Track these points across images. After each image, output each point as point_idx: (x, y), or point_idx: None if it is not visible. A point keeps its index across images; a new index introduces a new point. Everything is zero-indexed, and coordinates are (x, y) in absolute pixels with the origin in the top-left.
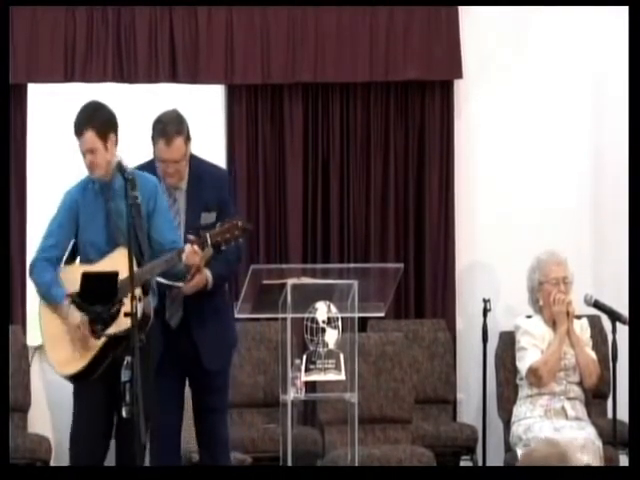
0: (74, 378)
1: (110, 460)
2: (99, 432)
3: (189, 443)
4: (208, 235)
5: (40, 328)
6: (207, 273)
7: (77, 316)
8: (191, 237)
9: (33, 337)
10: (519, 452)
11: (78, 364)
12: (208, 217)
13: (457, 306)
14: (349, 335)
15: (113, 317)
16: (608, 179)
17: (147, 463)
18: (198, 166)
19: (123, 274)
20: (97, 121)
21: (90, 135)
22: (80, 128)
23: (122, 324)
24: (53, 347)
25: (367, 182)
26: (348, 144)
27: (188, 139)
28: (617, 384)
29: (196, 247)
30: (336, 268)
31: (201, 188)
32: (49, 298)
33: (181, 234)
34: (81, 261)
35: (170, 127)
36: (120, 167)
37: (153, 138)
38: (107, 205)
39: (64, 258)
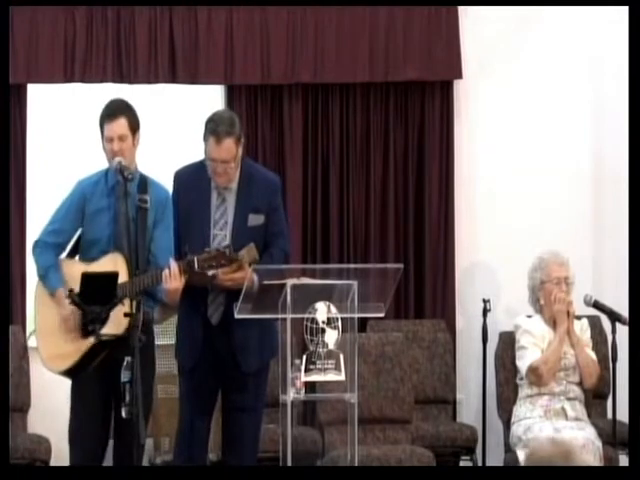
0: (63, 373)
1: (108, 460)
2: (96, 432)
3: None
4: (195, 259)
5: (34, 320)
6: (253, 275)
7: (69, 307)
8: (173, 262)
9: (33, 337)
10: (519, 452)
11: (67, 361)
12: (256, 219)
13: (457, 306)
14: (349, 335)
15: (104, 319)
16: (608, 179)
17: (156, 462)
18: (250, 168)
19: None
20: (131, 113)
21: (123, 122)
22: (115, 113)
23: (112, 327)
24: (44, 340)
25: (367, 182)
26: (348, 144)
27: (239, 141)
28: (617, 384)
29: (176, 271)
30: (336, 268)
31: (251, 190)
32: (46, 282)
33: (227, 234)
34: (80, 257)
35: (222, 127)
36: (121, 168)
37: (204, 136)
38: (117, 204)
39: (67, 248)
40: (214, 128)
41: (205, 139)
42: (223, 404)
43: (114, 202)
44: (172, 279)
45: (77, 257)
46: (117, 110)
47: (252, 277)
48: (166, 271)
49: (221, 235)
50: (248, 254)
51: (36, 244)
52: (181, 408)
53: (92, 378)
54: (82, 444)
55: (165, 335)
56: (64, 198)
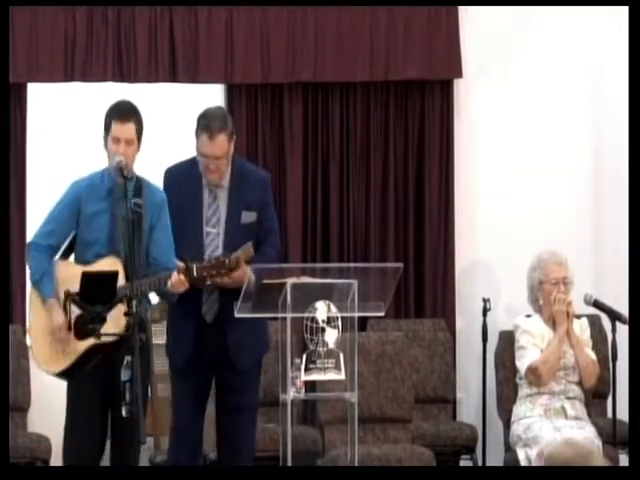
0: (58, 375)
1: (105, 459)
2: (93, 431)
3: None
4: (195, 267)
5: (28, 322)
6: (249, 272)
7: (60, 317)
8: (180, 264)
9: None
10: (519, 451)
11: (61, 363)
12: (249, 216)
13: (457, 306)
14: (349, 334)
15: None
16: (608, 179)
17: (149, 462)
18: (241, 166)
19: None
20: (140, 119)
21: (132, 127)
22: (126, 116)
23: (111, 326)
24: (38, 342)
25: (367, 182)
26: (348, 144)
27: (231, 137)
28: (617, 384)
29: (182, 277)
30: (336, 267)
31: (243, 187)
32: (39, 288)
33: (220, 231)
34: (76, 259)
35: (214, 123)
36: (121, 167)
37: (196, 132)
38: (114, 207)
39: (61, 249)
40: (207, 124)
41: (197, 135)
42: (218, 403)
43: (111, 204)
44: (179, 283)
45: (71, 258)
46: (128, 113)
47: (250, 275)
48: (174, 275)
49: (214, 233)
50: (245, 253)
51: (30, 246)
52: (174, 407)
53: (88, 377)
54: (78, 444)
55: (165, 334)
56: (59, 199)
